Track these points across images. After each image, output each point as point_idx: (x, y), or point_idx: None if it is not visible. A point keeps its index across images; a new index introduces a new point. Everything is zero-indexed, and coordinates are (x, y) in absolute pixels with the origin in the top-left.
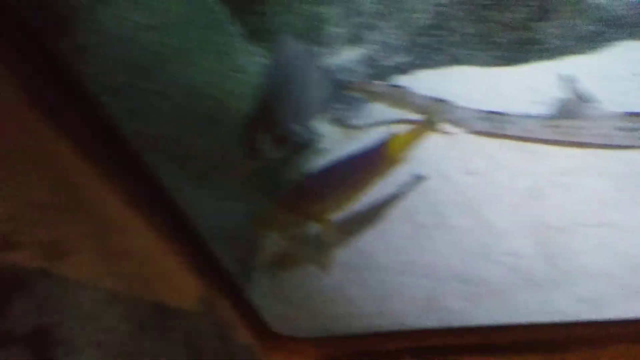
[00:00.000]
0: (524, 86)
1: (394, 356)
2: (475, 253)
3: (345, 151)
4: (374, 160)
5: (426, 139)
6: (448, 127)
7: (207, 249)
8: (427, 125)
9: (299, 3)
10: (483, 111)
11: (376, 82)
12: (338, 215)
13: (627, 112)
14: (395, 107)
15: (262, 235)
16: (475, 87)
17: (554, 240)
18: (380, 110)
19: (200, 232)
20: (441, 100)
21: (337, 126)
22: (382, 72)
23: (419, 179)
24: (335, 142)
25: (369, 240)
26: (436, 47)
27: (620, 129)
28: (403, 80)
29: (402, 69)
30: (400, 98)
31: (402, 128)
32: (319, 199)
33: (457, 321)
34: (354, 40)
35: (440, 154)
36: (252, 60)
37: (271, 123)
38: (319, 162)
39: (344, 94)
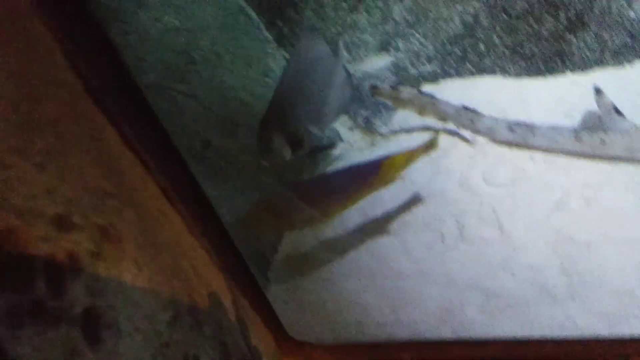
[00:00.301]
0: (552, 98)
1: None
2: (495, 265)
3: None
4: (368, 177)
5: (450, 150)
6: (474, 136)
7: (232, 248)
8: (427, 148)
9: (332, 10)
10: (510, 121)
11: (404, 88)
12: (324, 223)
13: None
14: (422, 114)
15: (281, 237)
16: (502, 98)
17: (576, 254)
18: (406, 117)
19: (227, 231)
20: (468, 109)
21: (362, 132)
22: (409, 80)
23: (415, 199)
24: (359, 148)
25: (388, 247)
26: (464, 57)
27: None
28: (430, 88)
29: (430, 78)
30: (428, 105)
31: (427, 136)
32: (309, 205)
33: (473, 333)
34: (383, 47)
35: (464, 164)
36: (282, 66)
37: (286, 123)
38: (335, 166)
39: (370, 100)
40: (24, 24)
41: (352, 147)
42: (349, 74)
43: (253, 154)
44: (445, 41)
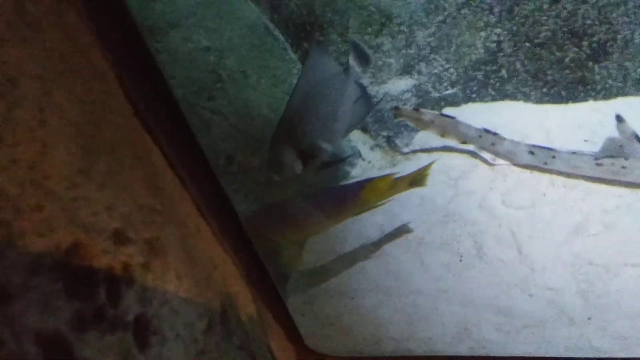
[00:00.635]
0: (573, 124)
1: None
2: (512, 285)
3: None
4: (348, 200)
5: (470, 172)
6: (494, 159)
7: (257, 260)
8: (413, 182)
9: (357, 34)
10: (531, 145)
11: (425, 110)
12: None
13: None
14: (444, 136)
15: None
16: (523, 122)
17: (594, 277)
18: (427, 138)
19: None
20: (489, 132)
21: (383, 151)
22: (431, 103)
23: (402, 229)
24: (379, 167)
25: (405, 264)
26: (486, 82)
27: None
28: (452, 111)
29: (451, 101)
30: (449, 127)
31: (447, 156)
32: (289, 223)
33: (489, 351)
34: (406, 71)
35: (484, 186)
36: None
37: (297, 138)
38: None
39: (391, 121)
40: (88, 56)
41: (373, 166)
42: (364, 91)
43: None
44: (467, 66)
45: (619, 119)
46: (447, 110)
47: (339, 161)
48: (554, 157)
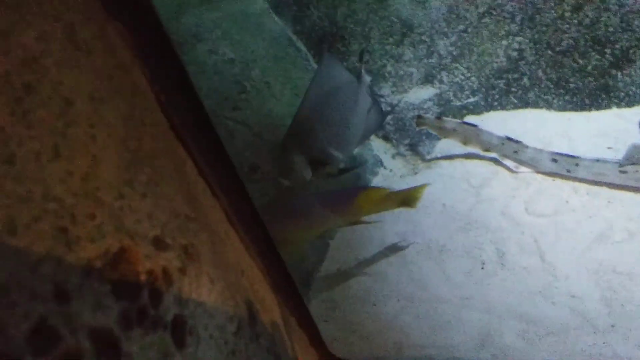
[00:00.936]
0: (596, 131)
1: None
2: (535, 292)
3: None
4: (343, 204)
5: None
6: (517, 166)
7: (282, 266)
8: (403, 201)
9: (378, 43)
10: (554, 153)
11: (447, 118)
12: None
13: None
14: (466, 144)
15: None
16: (546, 130)
17: (617, 285)
18: (448, 146)
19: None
20: (512, 140)
21: (404, 160)
22: (452, 111)
23: (404, 246)
24: (401, 175)
25: (427, 272)
26: (508, 90)
27: None
28: (474, 119)
29: (473, 109)
30: (471, 135)
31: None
32: (286, 224)
33: (512, 359)
34: (427, 80)
35: (507, 193)
36: None
37: (307, 145)
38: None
39: (413, 130)
40: (129, 75)
41: (395, 174)
42: (375, 100)
43: None
44: (489, 75)
45: None
46: (469, 119)
47: (351, 168)
48: (577, 164)
